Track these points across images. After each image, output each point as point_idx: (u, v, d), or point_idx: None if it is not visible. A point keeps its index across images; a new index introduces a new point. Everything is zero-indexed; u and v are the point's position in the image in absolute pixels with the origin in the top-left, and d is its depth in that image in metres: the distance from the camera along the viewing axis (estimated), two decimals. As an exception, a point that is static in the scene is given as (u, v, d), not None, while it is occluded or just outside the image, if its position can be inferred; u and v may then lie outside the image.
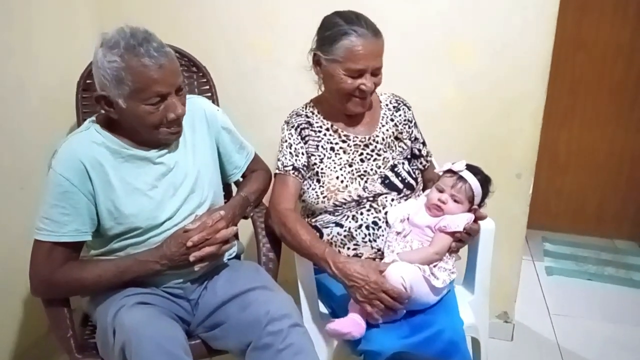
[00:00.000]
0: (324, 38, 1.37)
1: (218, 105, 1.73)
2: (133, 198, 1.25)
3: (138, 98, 1.17)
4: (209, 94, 1.74)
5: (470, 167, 1.34)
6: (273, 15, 1.84)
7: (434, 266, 1.28)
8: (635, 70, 2.69)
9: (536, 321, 2.16)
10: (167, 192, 1.29)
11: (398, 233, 1.34)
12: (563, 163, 2.92)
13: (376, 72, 1.37)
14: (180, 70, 1.24)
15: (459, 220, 1.29)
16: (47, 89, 1.74)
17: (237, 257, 1.50)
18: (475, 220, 1.35)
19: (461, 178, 1.32)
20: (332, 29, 1.35)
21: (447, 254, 1.31)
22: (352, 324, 1.24)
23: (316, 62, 1.41)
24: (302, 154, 1.44)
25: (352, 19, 1.34)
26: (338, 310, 1.38)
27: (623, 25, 2.65)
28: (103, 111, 1.23)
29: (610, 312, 2.24)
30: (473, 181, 1.31)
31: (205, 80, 1.75)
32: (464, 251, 1.44)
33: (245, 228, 1.58)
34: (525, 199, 1.88)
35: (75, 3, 1.86)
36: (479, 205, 1.36)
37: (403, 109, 1.53)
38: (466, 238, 1.34)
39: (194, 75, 1.75)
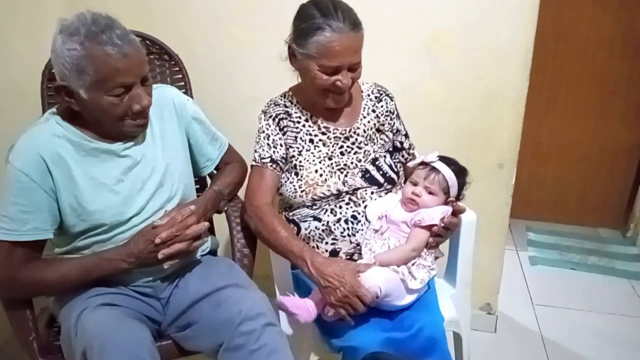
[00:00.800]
0: (299, 31, 1.28)
1: (192, 95, 1.67)
2: (97, 193, 1.19)
3: (101, 89, 1.10)
4: (182, 83, 1.67)
5: (443, 158, 1.30)
6: (251, 2, 1.77)
7: (412, 264, 1.24)
8: (616, 61, 2.69)
9: (519, 312, 2.16)
10: (134, 187, 1.23)
11: (376, 231, 1.29)
12: (545, 153, 2.91)
13: (354, 67, 1.28)
14: (146, 59, 1.17)
15: (434, 213, 1.25)
16: (14, 81, 1.66)
17: (212, 252, 1.45)
18: (455, 214, 1.30)
19: (434, 169, 1.28)
20: (306, 22, 1.26)
21: (425, 250, 1.27)
22: (304, 307, 1.21)
23: (291, 55, 1.34)
24: (281, 145, 1.38)
25: (328, 10, 1.24)
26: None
27: (603, 15, 2.64)
28: (64, 102, 1.16)
29: (593, 301, 2.24)
30: (446, 171, 1.26)
31: (177, 69, 1.67)
32: (444, 243, 1.40)
33: (221, 222, 1.53)
34: (507, 189, 1.85)
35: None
36: (457, 198, 1.32)
37: (385, 99, 1.47)
38: (444, 232, 1.30)
39: (166, 64, 1.67)
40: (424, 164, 1.30)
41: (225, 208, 1.44)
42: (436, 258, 1.33)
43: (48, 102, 1.54)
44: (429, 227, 1.25)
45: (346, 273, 1.20)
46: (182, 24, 1.83)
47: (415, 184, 1.29)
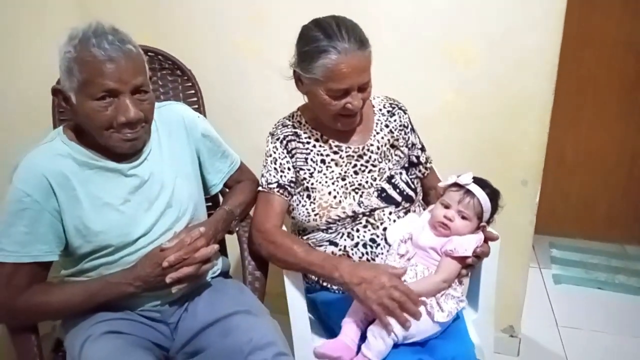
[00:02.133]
0: (302, 54, 1.23)
1: (204, 110, 1.64)
2: (102, 213, 1.15)
3: (85, 92, 1.08)
4: (195, 99, 1.65)
5: (477, 180, 1.22)
6: (261, 16, 1.74)
7: (441, 295, 1.16)
8: (645, 68, 2.58)
9: (544, 334, 2.06)
10: (140, 206, 1.19)
11: (401, 256, 1.22)
12: (570, 165, 2.80)
13: (364, 87, 1.23)
14: (141, 70, 1.13)
15: (468, 243, 1.16)
16: (26, 97, 1.65)
17: (223, 274, 1.39)
18: (486, 241, 1.23)
19: (469, 192, 1.20)
20: (310, 45, 1.20)
21: (456, 281, 1.19)
22: (342, 347, 1.13)
23: (297, 79, 1.28)
24: (289, 169, 1.33)
25: (332, 31, 1.18)
26: (336, 329, 1.27)
27: (632, 21, 2.53)
28: (62, 109, 1.16)
29: (621, 323, 2.13)
30: (482, 195, 1.19)
31: (190, 84, 1.65)
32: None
33: (233, 242, 1.48)
34: (531, 207, 1.77)
35: (56, 7, 1.78)
36: (488, 222, 1.24)
37: (398, 113, 1.41)
38: (476, 262, 1.22)
39: (179, 80, 1.65)
40: (457, 185, 1.22)
41: (237, 229, 1.39)
42: (461, 283, 1.25)
43: (59, 119, 1.53)
44: (461, 259, 1.17)
45: (379, 269, 1.14)
46: (193, 38, 1.81)
47: (447, 207, 1.21)
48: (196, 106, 1.63)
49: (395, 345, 1.12)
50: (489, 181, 1.25)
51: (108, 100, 1.08)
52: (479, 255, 1.21)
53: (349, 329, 1.17)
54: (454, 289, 1.18)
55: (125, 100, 1.09)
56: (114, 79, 1.07)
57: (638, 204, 2.77)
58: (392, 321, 1.09)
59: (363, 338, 1.15)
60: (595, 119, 2.71)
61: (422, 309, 1.12)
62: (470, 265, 1.21)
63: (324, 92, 1.21)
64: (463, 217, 1.19)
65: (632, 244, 2.80)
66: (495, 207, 1.23)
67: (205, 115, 1.62)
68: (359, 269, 1.16)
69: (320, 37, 1.19)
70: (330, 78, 1.19)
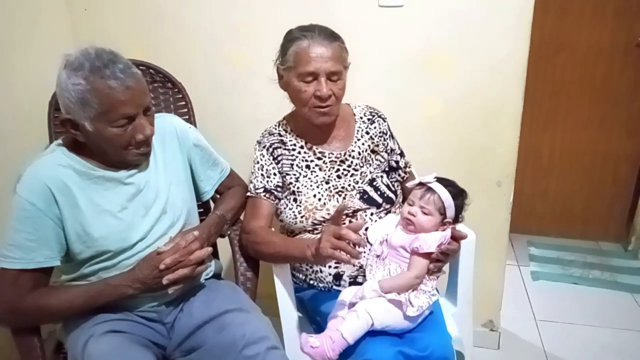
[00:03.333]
0: (281, 48, 1.37)
1: (195, 121, 1.71)
2: (102, 220, 1.22)
3: (105, 120, 1.14)
4: (185, 110, 1.71)
5: (441, 180, 1.31)
6: (247, 26, 1.82)
7: (413, 290, 1.25)
8: (616, 71, 2.69)
9: (522, 328, 2.16)
10: (137, 213, 1.26)
11: (378, 256, 1.31)
12: (547, 166, 2.91)
13: (333, 78, 1.33)
14: (147, 90, 1.21)
15: (431, 240, 1.26)
16: (21, 110, 1.70)
17: (216, 276, 1.47)
18: (455, 239, 1.31)
19: (429, 189, 1.29)
20: (286, 38, 1.36)
21: (427, 276, 1.28)
22: (328, 343, 1.20)
23: (280, 76, 1.40)
24: (275, 174, 1.41)
25: (307, 27, 1.34)
26: (323, 324, 1.34)
27: (602, 26, 2.64)
28: (70, 134, 1.20)
29: (596, 316, 2.24)
30: (442, 191, 1.28)
31: (180, 96, 1.72)
32: (445, 262, 1.42)
33: (224, 246, 1.56)
34: (507, 206, 1.87)
35: (49, 22, 1.83)
36: (455, 221, 1.33)
37: (378, 120, 1.50)
38: (443, 258, 1.30)
39: (170, 92, 1.72)
40: (421, 184, 1.32)
41: (229, 232, 1.47)
42: (437, 277, 1.33)
43: (55, 131, 1.58)
44: (427, 255, 1.26)
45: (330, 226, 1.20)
46: (182, 49, 1.87)
47: (411, 204, 1.31)
48: (187, 117, 1.70)
49: (375, 335, 1.20)
50: (454, 181, 1.34)
51: (126, 124, 1.16)
52: (445, 252, 1.28)
53: (333, 324, 1.24)
54: (424, 284, 1.27)
55: (140, 121, 1.18)
56: (132, 106, 1.15)
57: (611, 202, 2.89)
58: (369, 311, 1.17)
59: None
60: (569, 121, 2.82)
61: (395, 304, 1.20)
62: (439, 261, 1.29)
63: (295, 79, 1.33)
64: (425, 213, 1.28)
65: (607, 240, 2.92)
66: (460, 205, 1.31)
67: (195, 126, 1.68)
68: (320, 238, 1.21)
69: (295, 31, 1.35)
70: (299, 62, 1.31)
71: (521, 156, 1.84)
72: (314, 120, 1.37)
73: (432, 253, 1.25)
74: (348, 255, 1.14)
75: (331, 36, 1.33)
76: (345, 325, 1.18)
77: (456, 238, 1.31)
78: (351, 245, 1.14)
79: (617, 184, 2.86)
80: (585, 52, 2.70)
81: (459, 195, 1.31)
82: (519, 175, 1.86)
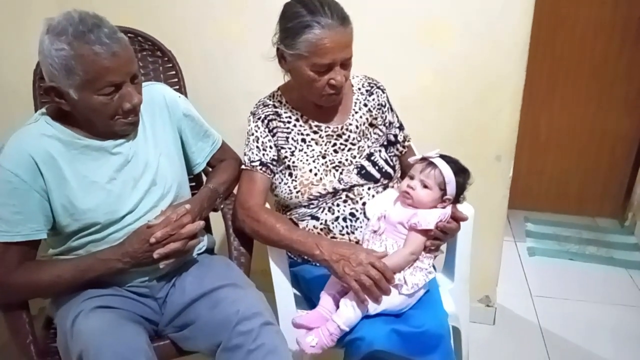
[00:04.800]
0: (285, 30, 1.25)
1: (185, 91, 1.66)
2: (89, 192, 1.18)
3: (91, 88, 1.09)
4: (175, 80, 1.65)
5: (444, 156, 1.28)
6: (242, -2, 1.74)
7: (409, 267, 1.22)
8: (616, 48, 2.65)
9: (518, 304, 2.15)
10: (126, 185, 1.22)
11: (374, 231, 1.28)
12: (544, 143, 2.89)
13: (346, 64, 1.26)
14: (134, 57, 1.16)
15: (431, 217, 1.22)
16: (5, 81, 1.64)
17: (208, 251, 1.43)
18: (455, 219, 1.28)
19: (431, 163, 1.26)
20: (293, 20, 1.22)
21: (423, 253, 1.25)
22: (318, 317, 1.20)
23: (280, 56, 1.30)
24: (270, 147, 1.36)
25: (314, 7, 1.20)
26: (312, 296, 1.34)
27: (602, 2, 2.59)
28: (54, 103, 1.15)
29: (591, 292, 2.24)
30: (444, 167, 1.24)
31: (171, 65, 1.65)
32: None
33: (218, 220, 1.52)
34: (505, 181, 1.84)
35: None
36: (457, 200, 1.29)
37: (376, 92, 1.45)
38: (442, 237, 1.26)
39: (159, 61, 1.65)
40: (424, 159, 1.28)
41: (222, 206, 1.43)
42: (435, 255, 1.31)
43: (40, 102, 1.53)
44: (425, 232, 1.23)
45: (358, 247, 1.20)
46: (173, 19, 1.80)
47: (411, 178, 1.27)
48: (177, 87, 1.63)
49: (368, 316, 1.18)
50: (457, 159, 1.30)
51: (112, 92, 1.11)
52: (444, 231, 1.25)
53: (326, 301, 1.23)
54: (421, 261, 1.24)
55: (127, 89, 1.13)
56: (119, 74, 1.10)
57: (608, 178, 2.87)
58: (366, 296, 1.15)
59: None
60: (567, 98, 2.79)
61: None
62: (437, 239, 1.26)
63: (308, 68, 1.24)
64: (425, 186, 1.24)
65: (602, 216, 2.92)
66: (461, 184, 1.27)
67: (186, 96, 1.63)
68: (339, 247, 1.21)
69: (303, 12, 1.21)
70: (314, 53, 1.21)
71: (519, 133, 1.80)
72: (323, 104, 1.32)
73: (430, 230, 1.22)
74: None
75: (344, 19, 1.22)
76: (341, 317, 1.16)
77: (456, 218, 1.28)
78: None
79: (614, 161, 2.85)
80: (585, 28, 2.66)
81: (460, 172, 1.27)
82: (516, 152, 1.83)
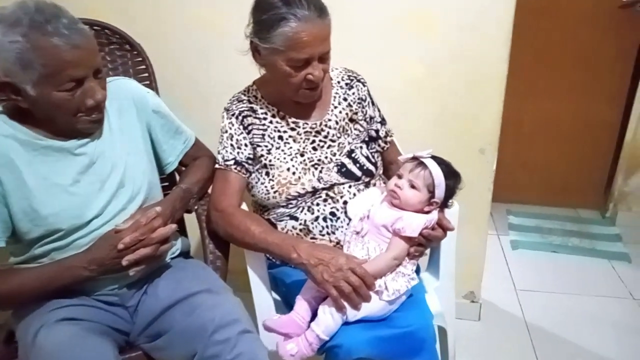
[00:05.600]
0: (259, 22, 1.18)
1: (156, 86, 1.58)
2: (51, 195, 1.10)
3: (50, 84, 1.01)
4: (146, 74, 1.58)
5: (435, 157, 1.23)
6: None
7: (391, 272, 1.16)
8: (598, 37, 2.63)
9: (503, 298, 2.13)
10: (92, 187, 1.15)
11: (357, 233, 1.22)
12: (528, 134, 2.86)
13: (324, 57, 1.19)
14: (97, 50, 1.08)
15: (416, 223, 1.17)
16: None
17: (183, 254, 1.36)
18: (441, 227, 1.22)
19: (421, 163, 1.20)
20: (267, 12, 1.15)
21: (406, 258, 1.19)
22: (291, 323, 1.14)
23: (254, 50, 1.23)
24: (245, 145, 1.29)
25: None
26: (291, 300, 1.26)
27: (586, -8, 2.57)
28: (10, 100, 1.06)
29: (575, 284, 2.23)
30: (434, 168, 1.19)
31: (140, 59, 1.57)
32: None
33: (192, 221, 1.45)
34: (489, 174, 1.81)
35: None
36: (444, 205, 1.24)
37: (357, 85, 1.38)
38: (426, 243, 1.21)
39: (128, 55, 1.57)
40: (414, 158, 1.23)
41: (196, 207, 1.36)
42: (417, 260, 1.26)
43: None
44: (409, 238, 1.17)
45: (338, 251, 1.15)
46: (143, 9, 1.71)
47: (400, 177, 1.21)
48: (147, 82, 1.56)
49: (348, 323, 1.12)
50: (449, 162, 1.24)
51: (74, 88, 1.03)
52: (429, 238, 1.20)
53: (300, 306, 1.17)
54: (404, 266, 1.18)
55: (90, 85, 1.05)
56: (81, 67, 1.02)
57: (591, 170, 2.86)
58: (345, 304, 1.10)
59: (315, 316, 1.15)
60: (551, 88, 2.76)
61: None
62: (420, 245, 1.20)
63: (284, 63, 1.17)
64: (412, 187, 1.19)
65: (585, 207, 2.91)
66: (451, 187, 1.22)
67: (157, 92, 1.55)
68: (317, 250, 1.14)
69: (277, 3, 1.14)
70: (291, 47, 1.14)
71: (502, 124, 1.76)
72: (300, 100, 1.25)
73: (415, 237, 1.17)
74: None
75: (322, 11, 1.15)
76: (320, 325, 1.11)
77: (442, 226, 1.22)
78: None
79: (597, 152, 2.83)
80: (567, 17, 2.62)
81: (451, 175, 1.22)
82: (499, 143, 1.79)
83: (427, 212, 1.21)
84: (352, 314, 1.11)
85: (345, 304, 1.10)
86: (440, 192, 1.20)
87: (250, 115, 1.30)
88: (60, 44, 0.99)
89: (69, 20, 1.01)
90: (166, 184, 1.46)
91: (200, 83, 1.79)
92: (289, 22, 1.12)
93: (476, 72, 1.68)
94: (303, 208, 1.28)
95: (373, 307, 1.13)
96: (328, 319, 1.11)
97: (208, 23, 1.71)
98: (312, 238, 1.27)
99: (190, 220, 1.45)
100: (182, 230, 1.47)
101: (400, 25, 1.65)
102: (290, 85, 1.21)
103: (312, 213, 1.27)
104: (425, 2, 1.62)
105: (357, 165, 1.32)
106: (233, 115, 1.30)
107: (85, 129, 1.12)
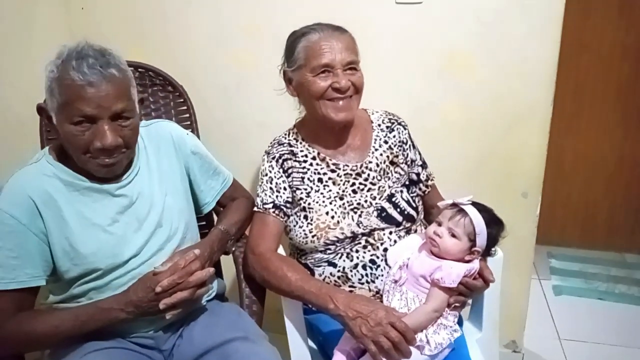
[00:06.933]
0: (286, 51, 1.29)
1: (197, 126, 1.60)
2: (91, 234, 1.11)
3: (64, 114, 1.05)
4: (187, 115, 1.60)
5: (476, 204, 1.18)
6: (256, 26, 1.70)
7: (433, 325, 1.12)
8: (642, 72, 2.56)
9: (546, 348, 2.02)
10: (130, 226, 1.15)
11: (395, 282, 1.18)
12: (569, 173, 2.76)
13: (350, 68, 1.23)
14: (125, 96, 1.08)
15: (455, 273, 1.12)
16: (12, 112, 1.60)
17: (219, 297, 1.34)
18: (483, 279, 1.17)
19: (462, 211, 1.16)
20: (290, 39, 1.28)
21: (447, 309, 1.15)
22: None
23: (287, 81, 1.29)
24: (285, 188, 1.28)
25: (310, 25, 1.26)
26: (328, 350, 1.23)
27: (629, 25, 2.51)
28: (47, 128, 1.13)
29: (623, 335, 2.10)
30: (475, 215, 1.14)
31: (182, 100, 1.60)
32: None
33: (228, 262, 1.43)
34: (533, 219, 1.74)
35: (45, 21, 1.73)
36: (487, 254, 1.20)
37: (397, 128, 1.37)
38: (468, 293, 1.16)
39: (170, 96, 1.60)
40: (454, 205, 1.19)
41: (233, 249, 1.35)
42: (460, 311, 1.20)
43: (47, 137, 1.47)
44: (448, 288, 1.13)
45: (377, 304, 1.11)
46: (184, 50, 1.75)
47: (439, 224, 1.17)
48: (188, 122, 1.58)
49: None
50: (491, 208, 1.20)
51: (85, 125, 1.05)
52: (470, 288, 1.15)
53: (344, 350, 1.13)
54: (445, 317, 1.13)
55: (102, 126, 1.06)
56: (92, 105, 1.04)
57: (637, 211, 2.74)
58: None
59: None
60: (593, 125, 2.69)
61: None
62: (461, 294, 1.16)
63: (309, 75, 1.22)
64: (452, 235, 1.15)
65: (632, 252, 2.77)
66: (494, 235, 1.17)
67: (198, 132, 1.57)
68: (355, 302, 1.10)
69: (298, 31, 1.27)
70: (311, 55, 1.22)
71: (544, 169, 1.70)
72: (332, 116, 1.24)
73: (454, 288, 1.12)
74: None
75: (341, 28, 1.26)
76: None
77: (483, 277, 1.17)
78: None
79: (643, 191, 2.71)
80: (610, 53, 2.57)
81: (493, 223, 1.17)
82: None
83: (469, 261, 1.17)
84: None
85: None
86: (481, 241, 1.15)
87: (290, 159, 1.30)
88: (76, 79, 1.02)
89: (97, 61, 1.04)
90: (203, 223, 1.46)
91: (235, 123, 1.80)
92: (309, 35, 1.23)
93: (518, 113, 1.64)
94: (342, 254, 1.25)
95: None
96: None
97: (247, 63, 1.73)
98: (350, 286, 1.24)
99: (226, 260, 1.44)
100: (218, 272, 1.45)
101: (440, 68, 1.63)
102: (317, 96, 1.23)
103: (352, 260, 1.24)
104: (466, 43, 1.60)
105: (398, 209, 1.29)
106: (273, 158, 1.30)
107: (95, 171, 1.11)
